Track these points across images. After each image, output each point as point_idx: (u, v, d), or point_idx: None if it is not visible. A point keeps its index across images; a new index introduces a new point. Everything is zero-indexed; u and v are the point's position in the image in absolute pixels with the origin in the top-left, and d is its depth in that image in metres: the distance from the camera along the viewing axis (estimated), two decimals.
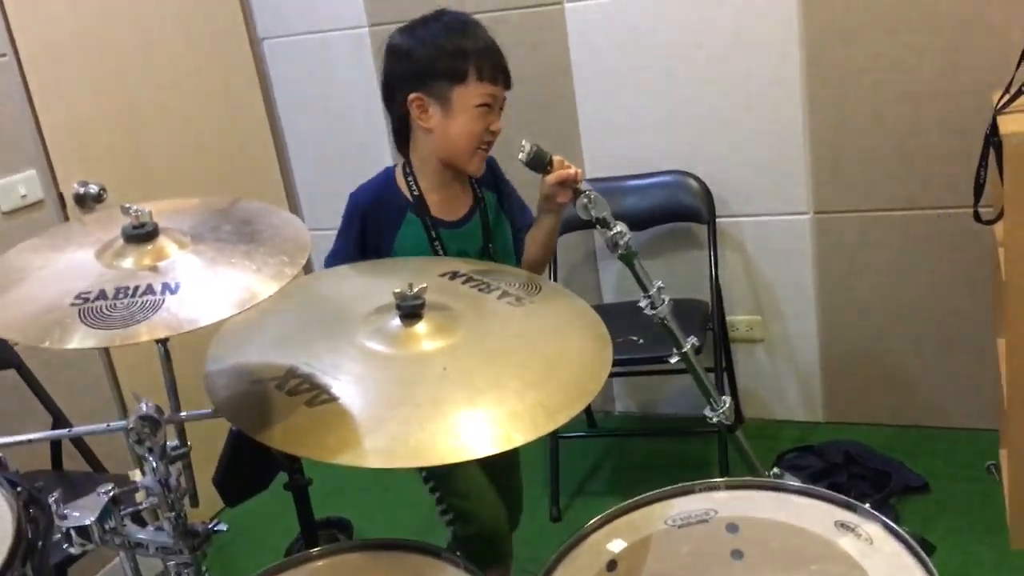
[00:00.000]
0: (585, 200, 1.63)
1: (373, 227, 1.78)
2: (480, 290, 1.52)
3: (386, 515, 2.89)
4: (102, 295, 1.13)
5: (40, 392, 2.28)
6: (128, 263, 1.20)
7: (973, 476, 2.64)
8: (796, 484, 1.29)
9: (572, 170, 1.67)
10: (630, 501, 1.32)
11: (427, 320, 1.38)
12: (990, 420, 2.76)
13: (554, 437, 2.79)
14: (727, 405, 1.68)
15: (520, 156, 1.64)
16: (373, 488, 2.99)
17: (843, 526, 1.21)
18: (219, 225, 1.29)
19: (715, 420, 1.67)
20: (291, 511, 1.84)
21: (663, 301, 1.62)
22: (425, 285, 1.38)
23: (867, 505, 1.22)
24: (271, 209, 1.38)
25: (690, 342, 1.65)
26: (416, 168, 1.79)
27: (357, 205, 1.80)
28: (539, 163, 1.66)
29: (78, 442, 2.30)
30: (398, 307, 1.38)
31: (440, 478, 1.92)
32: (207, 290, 1.18)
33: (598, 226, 1.62)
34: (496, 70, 1.72)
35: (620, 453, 3.10)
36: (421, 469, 1.92)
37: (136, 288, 1.14)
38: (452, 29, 1.73)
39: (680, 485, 1.33)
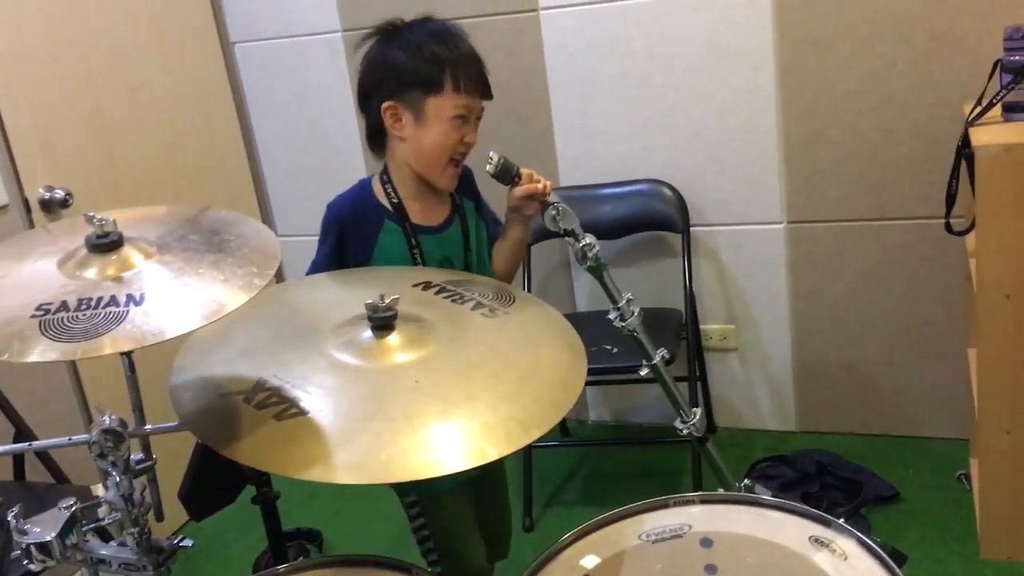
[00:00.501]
0: (553, 212, 1.61)
1: (351, 237, 1.75)
2: (454, 301, 1.50)
3: (357, 525, 2.86)
4: (64, 306, 1.10)
5: (2, 402, 2.23)
6: (91, 273, 1.17)
7: (944, 485, 2.65)
8: (771, 499, 1.28)
9: (540, 184, 1.65)
10: (604, 516, 1.31)
11: (399, 332, 1.36)
12: (961, 430, 2.78)
13: (527, 447, 2.77)
14: (697, 417, 1.67)
15: (487, 168, 1.62)
16: (343, 498, 2.96)
17: (817, 541, 1.20)
18: (187, 235, 1.26)
19: (685, 432, 1.67)
20: (259, 523, 1.81)
21: (632, 313, 1.61)
22: (397, 296, 1.36)
23: (841, 520, 1.21)
24: (240, 218, 1.35)
25: (660, 354, 1.64)
26: (393, 175, 1.76)
27: (335, 215, 1.76)
28: (506, 175, 1.64)
29: (41, 453, 2.25)
30: (369, 318, 1.35)
31: (429, 512, 1.86)
32: (173, 301, 1.15)
33: (567, 238, 1.61)
34: (473, 81, 1.68)
35: (594, 462, 3.08)
36: (406, 498, 1.87)
37: (99, 299, 1.11)
38: (430, 36, 1.69)
39: (654, 499, 1.32)
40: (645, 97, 2.84)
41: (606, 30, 2.81)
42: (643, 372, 1.65)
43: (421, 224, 1.76)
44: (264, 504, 1.77)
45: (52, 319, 1.08)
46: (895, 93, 2.59)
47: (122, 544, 1.33)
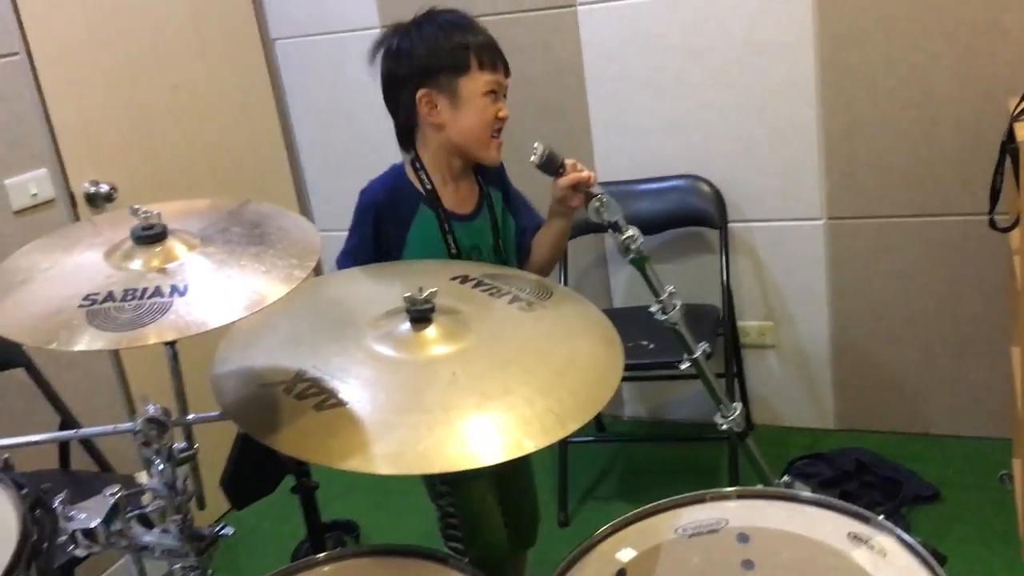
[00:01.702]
0: (597, 204, 1.62)
1: (387, 222, 1.77)
2: (491, 294, 1.51)
3: (393, 518, 2.88)
4: (110, 297, 1.12)
5: (48, 391, 2.28)
6: (137, 265, 1.19)
7: (985, 485, 2.61)
8: (808, 494, 1.27)
9: (585, 173, 1.67)
10: (640, 509, 1.31)
11: (437, 324, 1.37)
12: (1003, 429, 2.74)
13: (563, 442, 2.77)
14: (738, 412, 1.66)
15: (532, 158, 1.63)
16: (380, 490, 2.98)
17: (856, 538, 1.19)
18: (228, 227, 1.28)
19: (725, 427, 1.66)
20: (297, 513, 1.83)
21: (674, 306, 1.61)
22: (435, 289, 1.37)
23: (880, 517, 1.20)
24: (281, 211, 1.37)
25: (701, 348, 1.64)
26: (427, 163, 1.78)
27: (371, 201, 1.78)
28: (551, 166, 1.65)
29: (86, 442, 2.30)
30: (408, 311, 1.36)
31: (453, 494, 1.89)
32: (216, 292, 1.16)
33: (610, 230, 1.61)
34: (496, 58, 1.73)
35: (629, 458, 3.08)
36: (431, 482, 1.90)
37: (144, 290, 1.13)
38: (449, 24, 1.74)
39: (690, 494, 1.32)
40: (682, 92, 2.83)
41: (643, 25, 2.80)
42: (684, 366, 1.65)
43: (453, 211, 1.79)
44: (303, 494, 1.79)
45: (99, 309, 1.11)
46: (937, 88, 2.56)
47: (165, 531, 1.35)
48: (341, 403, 1.25)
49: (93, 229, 1.34)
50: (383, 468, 1.19)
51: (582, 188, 1.66)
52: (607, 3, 2.83)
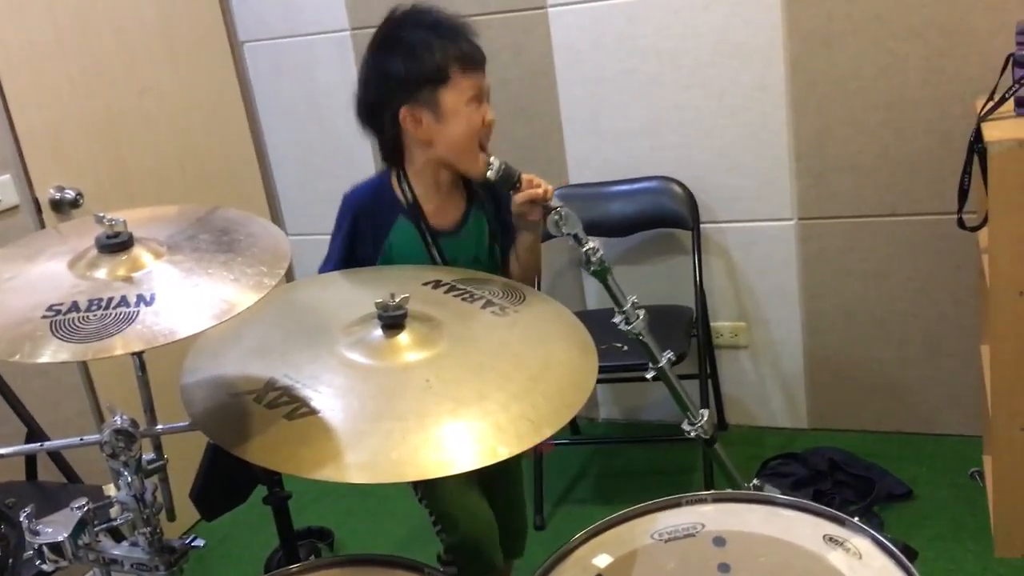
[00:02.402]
0: (556, 217, 1.61)
1: (364, 225, 1.74)
2: (464, 299, 1.50)
3: (368, 524, 2.86)
4: (75, 307, 1.10)
5: (13, 402, 2.24)
6: (102, 274, 1.17)
7: (957, 483, 2.64)
8: (784, 497, 1.27)
9: (540, 189, 1.64)
10: (616, 514, 1.30)
11: (410, 331, 1.36)
12: (974, 427, 2.76)
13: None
14: (704, 419, 1.67)
15: (488, 174, 1.62)
16: (354, 496, 2.96)
17: (832, 540, 1.19)
18: (196, 234, 1.26)
19: (693, 435, 1.66)
20: (270, 522, 1.81)
21: (637, 316, 1.60)
22: (407, 295, 1.36)
23: (856, 519, 1.21)
24: (250, 218, 1.35)
25: (666, 356, 1.64)
26: (411, 177, 1.75)
27: (351, 205, 1.76)
28: (507, 181, 1.64)
29: (53, 453, 2.26)
30: (380, 317, 1.35)
31: (425, 484, 1.88)
32: (183, 301, 1.15)
33: (572, 242, 1.61)
34: (475, 59, 1.68)
35: (604, 460, 3.08)
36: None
37: (110, 300, 1.11)
38: (420, 30, 1.69)
39: (666, 498, 1.31)
40: (654, 94, 2.83)
41: (615, 27, 2.80)
42: (649, 375, 1.65)
43: (436, 226, 1.76)
44: (276, 504, 1.77)
45: (63, 320, 1.08)
46: (906, 89, 2.58)
47: (134, 544, 1.33)
48: (313, 412, 1.23)
49: (58, 237, 1.31)
50: (356, 477, 1.18)
51: (539, 203, 1.65)
52: (577, 5, 2.82)
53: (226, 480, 1.69)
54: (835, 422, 2.99)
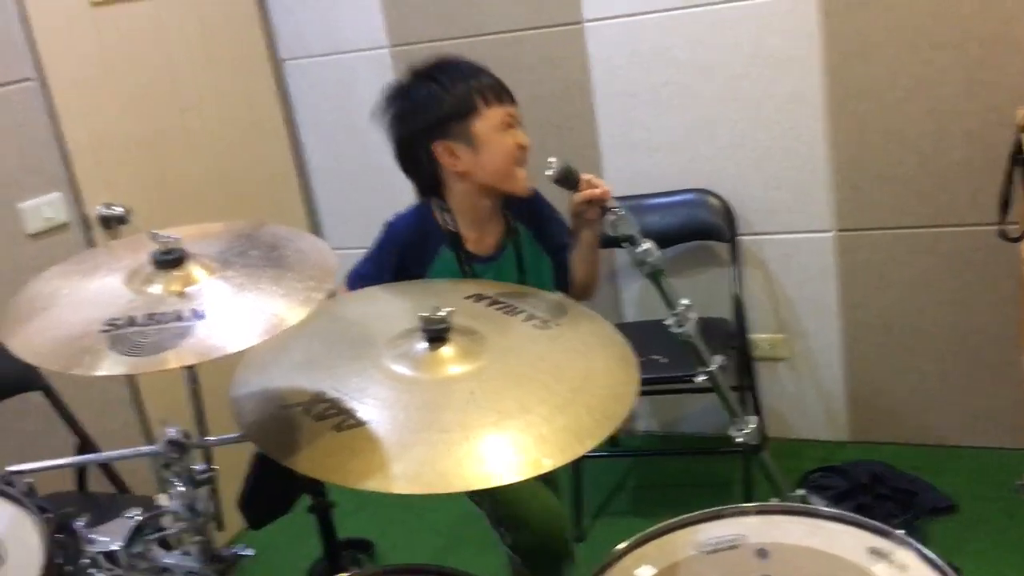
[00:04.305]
0: (613, 217, 1.63)
1: (409, 259, 1.80)
2: (506, 313, 1.51)
3: (407, 535, 2.88)
4: (131, 322, 1.14)
5: (65, 414, 2.29)
6: (157, 289, 1.21)
7: (1001, 496, 2.60)
8: (828, 509, 1.27)
9: (600, 189, 1.68)
10: (659, 526, 1.31)
11: (453, 343, 1.38)
12: (1017, 439, 2.73)
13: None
14: (753, 426, 1.66)
15: (548, 173, 1.64)
16: (395, 507, 2.98)
17: (876, 553, 1.19)
18: (246, 250, 1.30)
19: (741, 441, 1.66)
20: (313, 532, 1.84)
21: (689, 319, 1.61)
22: (451, 309, 1.38)
23: (901, 532, 1.20)
24: (298, 233, 1.38)
25: (717, 361, 1.64)
26: (454, 207, 1.81)
27: (396, 237, 1.81)
28: (568, 181, 1.66)
29: (102, 465, 2.31)
30: (424, 331, 1.37)
31: (483, 490, 1.89)
32: (235, 316, 1.18)
33: (626, 244, 1.62)
34: (498, 91, 1.76)
35: (643, 472, 3.08)
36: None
37: (165, 315, 1.15)
38: (443, 72, 1.77)
39: (709, 510, 1.32)
40: (690, 107, 2.84)
41: (650, 41, 2.82)
42: (699, 379, 1.65)
43: (475, 253, 1.80)
44: (319, 513, 1.80)
45: (120, 334, 1.12)
46: (946, 99, 2.56)
47: (185, 553, 1.36)
48: (360, 423, 1.25)
49: (111, 254, 1.35)
50: (402, 488, 1.19)
51: (597, 203, 1.68)
52: (613, 19, 2.84)
53: (273, 490, 1.72)
54: (876, 435, 2.97)
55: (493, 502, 1.89)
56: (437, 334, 1.37)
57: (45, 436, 2.33)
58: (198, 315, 1.16)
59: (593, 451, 1.24)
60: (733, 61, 2.75)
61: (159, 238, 1.22)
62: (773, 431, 3.09)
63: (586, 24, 2.88)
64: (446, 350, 1.37)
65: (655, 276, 1.60)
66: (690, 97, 2.83)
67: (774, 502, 1.34)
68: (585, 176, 1.68)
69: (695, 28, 2.76)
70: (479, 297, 1.57)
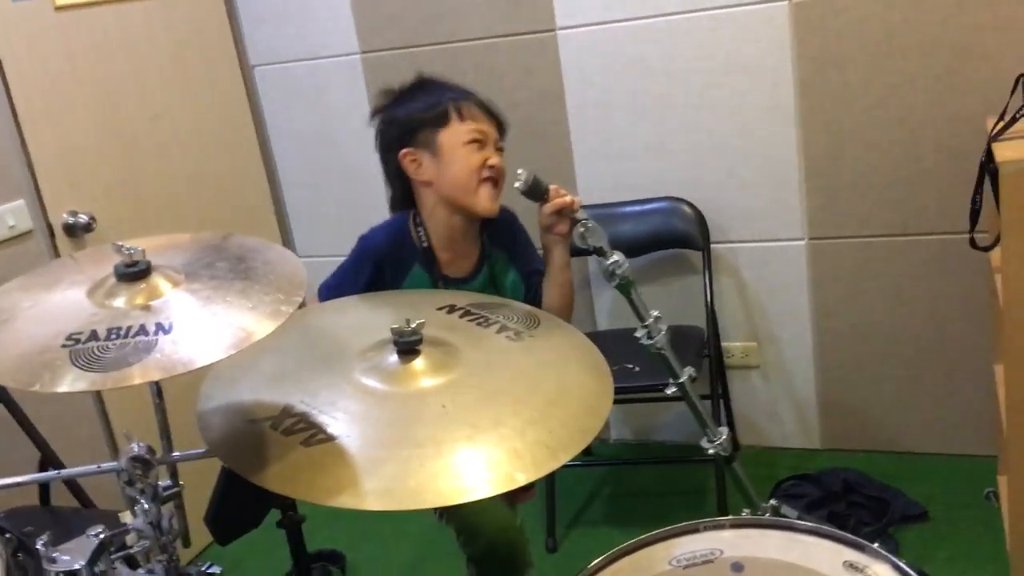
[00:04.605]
0: (582, 229, 1.62)
1: (384, 273, 1.77)
2: (478, 324, 1.50)
3: (379, 548, 2.84)
4: (94, 336, 1.11)
5: (28, 429, 2.24)
6: (120, 302, 1.18)
7: (972, 503, 2.62)
8: (804, 523, 1.26)
9: (568, 198, 1.66)
10: (634, 541, 1.30)
11: (425, 356, 1.36)
12: (988, 446, 2.74)
13: None
14: (724, 436, 1.66)
15: (516, 184, 1.63)
16: (366, 519, 2.95)
17: (852, 567, 1.19)
18: (213, 262, 1.27)
19: (712, 452, 1.65)
20: (281, 545, 1.80)
21: (660, 331, 1.60)
22: (423, 320, 1.36)
23: (876, 545, 1.20)
24: (266, 244, 1.36)
25: (687, 372, 1.63)
26: (426, 221, 1.79)
27: (372, 251, 1.78)
28: (536, 192, 1.65)
29: (67, 479, 2.26)
30: (395, 343, 1.35)
31: (452, 512, 1.89)
32: (202, 330, 1.15)
33: (595, 255, 1.61)
34: (476, 108, 1.75)
35: (616, 481, 3.07)
36: None
37: (129, 328, 1.12)
38: (428, 85, 1.79)
39: (684, 524, 1.31)
40: (663, 115, 2.84)
41: (624, 49, 2.82)
42: (670, 391, 1.65)
43: (449, 274, 1.78)
44: (289, 528, 1.76)
45: (82, 348, 1.09)
46: (916, 108, 2.58)
47: (150, 572, 1.33)
48: (330, 438, 1.23)
49: (75, 266, 1.32)
50: (374, 504, 1.17)
51: (566, 213, 1.66)
52: (586, 27, 2.84)
53: (240, 504, 1.68)
54: (848, 442, 2.97)
55: (449, 512, 1.89)
56: (409, 347, 1.35)
57: (6, 451, 2.28)
58: (163, 329, 1.13)
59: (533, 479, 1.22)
60: (706, 70, 2.75)
61: (123, 250, 1.19)
62: (746, 439, 3.09)
63: (559, 32, 2.87)
64: (418, 363, 1.35)
65: (624, 288, 1.59)
66: (663, 105, 2.82)
67: (747, 515, 1.33)
68: (552, 186, 1.66)
69: (668, 36, 2.75)
70: (452, 308, 1.56)
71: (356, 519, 2.94)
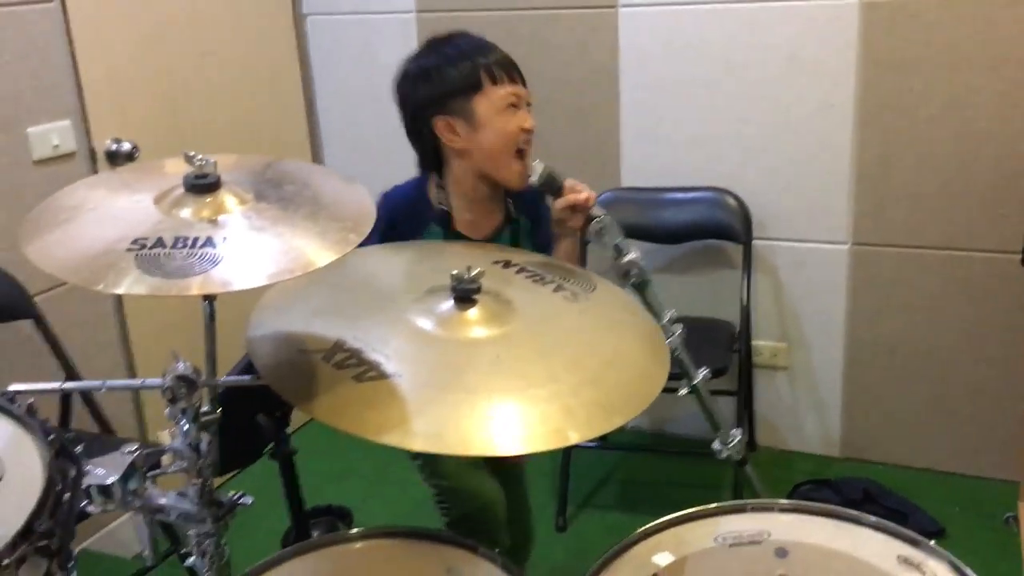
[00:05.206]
0: (598, 226, 1.57)
1: (398, 232, 1.72)
2: (535, 281, 1.47)
3: (387, 505, 2.83)
4: (160, 243, 1.08)
5: (56, 346, 2.22)
6: (186, 213, 1.15)
7: (990, 527, 2.58)
8: (855, 512, 1.23)
9: (583, 195, 1.61)
10: (680, 514, 1.27)
11: (481, 306, 1.33)
12: (1008, 471, 2.70)
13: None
14: (737, 440, 1.63)
15: (531, 178, 1.59)
16: (374, 478, 2.93)
17: (906, 562, 1.16)
18: (281, 183, 1.24)
19: (724, 456, 1.63)
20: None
21: (674, 332, 1.56)
22: (482, 270, 1.33)
23: (932, 542, 1.17)
24: (333, 174, 1.33)
25: (702, 373, 1.60)
26: (450, 185, 1.74)
27: (388, 208, 1.73)
28: (551, 186, 1.61)
29: (88, 402, 2.24)
30: (453, 289, 1.32)
31: (428, 458, 1.89)
32: (266, 250, 1.12)
33: (611, 253, 1.57)
34: (508, 69, 1.69)
35: (630, 468, 3.04)
36: (416, 454, 1.89)
37: (196, 239, 1.09)
38: (452, 45, 1.72)
39: (732, 502, 1.28)
40: (717, 103, 2.80)
41: (685, 32, 2.77)
42: (683, 392, 1.62)
43: (466, 235, 1.74)
44: (283, 460, 1.73)
45: (147, 254, 1.06)
46: (977, 121, 2.54)
47: (182, 494, 1.30)
48: (382, 376, 1.20)
49: (139, 174, 1.29)
50: (422, 445, 1.15)
51: (580, 210, 1.61)
52: (650, 7, 2.80)
53: (236, 435, 1.66)
54: (867, 453, 2.94)
55: (434, 474, 1.89)
56: (466, 294, 1.32)
57: (32, 369, 2.26)
58: (228, 244, 1.10)
59: (582, 442, 1.20)
60: (767, 62, 2.71)
61: (194, 160, 1.16)
62: (764, 440, 3.06)
63: (621, 9, 2.83)
64: (473, 312, 1.32)
65: (640, 287, 1.56)
66: (719, 93, 2.78)
67: (803, 502, 1.30)
68: (568, 181, 1.62)
69: (732, 24, 2.71)
70: (507, 263, 1.52)
71: (363, 478, 2.93)
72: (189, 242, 1.09)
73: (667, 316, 1.56)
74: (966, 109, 2.54)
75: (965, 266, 2.66)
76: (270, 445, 1.72)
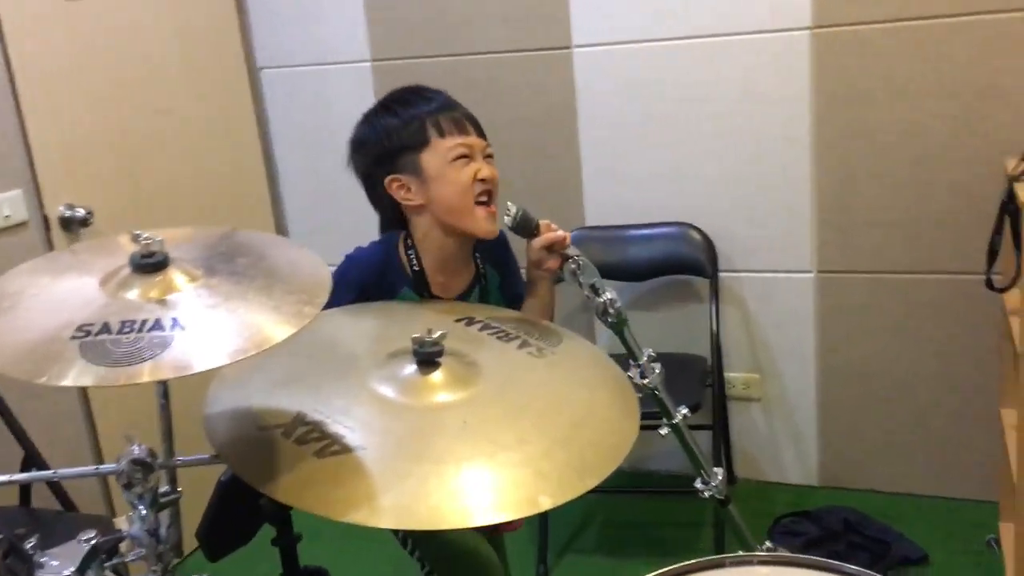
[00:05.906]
0: (574, 266, 1.55)
1: (370, 298, 1.68)
2: (499, 338, 1.44)
3: (362, 565, 2.77)
4: (106, 328, 1.04)
5: (14, 426, 2.15)
6: (134, 295, 1.11)
7: (972, 549, 2.57)
8: (840, 564, 1.20)
9: (560, 233, 1.59)
10: (656, 574, 1.23)
11: (444, 369, 1.30)
12: (988, 492, 2.70)
13: None
14: (720, 479, 1.60)
15: (505, 220, 1.57)
16: (348, 536, 2.87)
17: None
18: (233, 257, 1.20)
19: (707, 495, 1.60)
20: (264, 558, 1.73)
21: (653, 370, 1.54)
22: (445, 331, 1.30)
23: None
24: (286, 242, 1.29)
25: (681, 412, 1.58)
26: (418, 243, 1.69)
27: (357, 278, 1.68)
28: (525, 227, 1.58)
29: (49, 481, 2.17)
30: (415, 353, 1.29)
31: (420, 540, 1.80)
32: (220, 328, 1.08)
33: (587, 293, 1.55)
34: (458, 121, 1.65)
35: (609, 510, 3.00)
36: (404, 540, 1.82)
37: (143, 323, 1.05)
38: (399, 102, 1.68)
39: (709, 558, 1.24)
40: (676, 140, 2.80)
41: (640, 71, 2.78)
42: (663, 432, 1.59)
43: (440, 296, 1.70)
44: (284, 546, 1.69)
45: (93, 341, 1.02)
46: (934, 147, 2.56)
47: None
48: (345, 450, 1.17)
49: (83, 255, 1.25)
50: (390, 522, 1.12)
51: (557, 249, 1.59)
52: (603, 47, 2.80)
53: (235, 520, 1.61)
54: (846, 481, 2.93)
55: (418, 542, 1.80)
56: (429, 357, 1.29)
57: None
58: (179, 325, 1.06)
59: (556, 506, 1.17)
60: (723, 97, 2.72)
61: (140, 239, 1.12)
62: (743, 472, 3.04)
63: (575, 50, 2.83)
64: (437, 375, 1.29)
65: (618, 326, 1.53)
66: (678, 130, 2.79)
67: (783, 553, 1.27)
68: (543, 221, 1.59)
69: (685, 60, 2.72)
70: (470, 320, 1.50)
71: (336, 538, 2.86)
72: (136, 326, 1.05)
73: (645, 355, 1.53)
74: (922, 135, 2.56)
75: (931, 289, 2.67)
76: (263, 525, 1.67)
